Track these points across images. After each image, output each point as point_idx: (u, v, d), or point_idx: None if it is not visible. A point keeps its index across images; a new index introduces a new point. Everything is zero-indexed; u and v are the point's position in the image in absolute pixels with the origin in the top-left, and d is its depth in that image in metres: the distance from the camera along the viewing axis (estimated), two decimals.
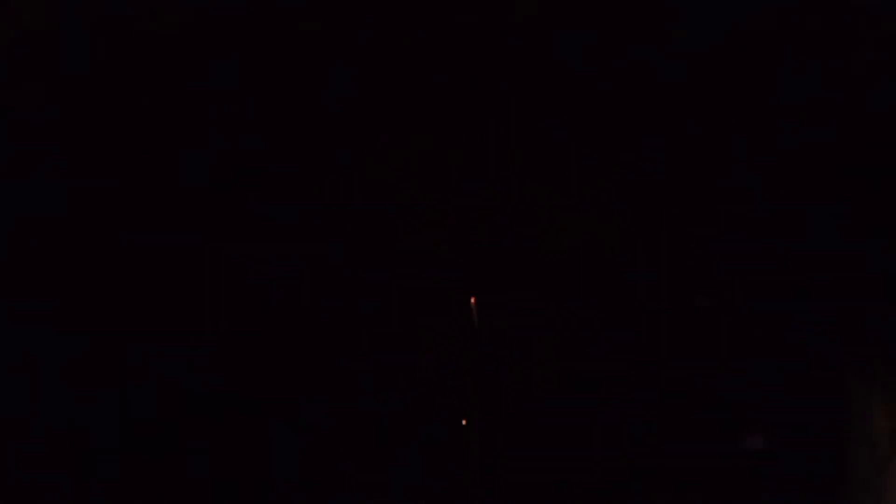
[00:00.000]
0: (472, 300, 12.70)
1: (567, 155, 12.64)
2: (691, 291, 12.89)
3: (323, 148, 12.49)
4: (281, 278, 12.81)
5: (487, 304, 12.86)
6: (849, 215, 12.24)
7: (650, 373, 12.80)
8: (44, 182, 11.79)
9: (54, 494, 12.20)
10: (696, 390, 12.73)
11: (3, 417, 12.07)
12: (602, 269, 12.89)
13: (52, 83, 11.32)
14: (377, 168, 12.56)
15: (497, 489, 12.71)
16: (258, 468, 12.83)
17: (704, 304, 12.87)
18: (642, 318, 12.89)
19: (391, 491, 12.81)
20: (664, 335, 12.88)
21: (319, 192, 12.61)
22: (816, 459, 12.07)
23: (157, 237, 12.52)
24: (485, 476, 12.73)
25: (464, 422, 12.94)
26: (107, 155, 12.37)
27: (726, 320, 12.79)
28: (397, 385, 12.90)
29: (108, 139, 12.34)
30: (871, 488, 10.97)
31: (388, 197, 12.70)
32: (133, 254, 12.63)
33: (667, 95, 12.48)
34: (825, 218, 12.33)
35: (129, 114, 11.76)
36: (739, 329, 12.78)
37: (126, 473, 12.38)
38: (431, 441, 12.94)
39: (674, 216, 12.75)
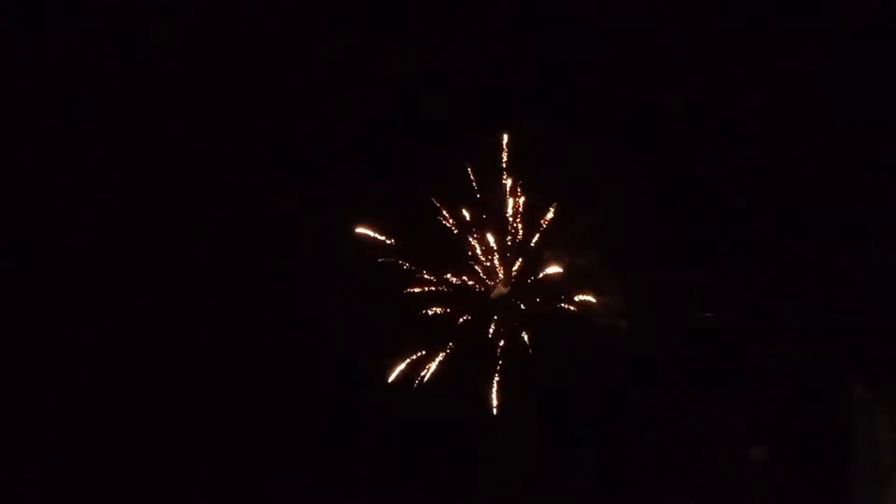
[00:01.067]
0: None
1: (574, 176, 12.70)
2: (695, 304, 12.84)
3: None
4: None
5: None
6: (848, 226, 12.19)
7: (654, 383, 12.72)
8: None
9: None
10: (701, 401, 12.65)
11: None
12: (604, 282, 12.87)
13: None
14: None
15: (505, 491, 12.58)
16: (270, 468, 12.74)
17: (708, 316, 12.77)
18: (647, 331, 12.82)
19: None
20: (669, 347, 12.81)
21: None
22: (821, 468, 11.87)
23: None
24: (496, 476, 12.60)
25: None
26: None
27: (730, 332, 12.70)
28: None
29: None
30: (875, 497, 10.79)
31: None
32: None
33: (668, 118, 12.53)
34: (824, 229, 12.28)
35: None
36: (743, 340, 12.68)
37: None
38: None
39: (676, 228, 12.74)
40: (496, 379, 12.37)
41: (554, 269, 12.50)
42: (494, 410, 12.29)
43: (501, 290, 12.57)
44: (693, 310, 12.67)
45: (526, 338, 12.49)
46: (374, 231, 12.44)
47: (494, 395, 12.30)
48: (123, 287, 12.50)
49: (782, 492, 11.88)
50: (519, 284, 12.67)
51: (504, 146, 12.53)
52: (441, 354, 12.39)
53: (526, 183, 12.61)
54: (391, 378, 12.23)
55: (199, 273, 12.55)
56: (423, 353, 12.31)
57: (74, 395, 12.30)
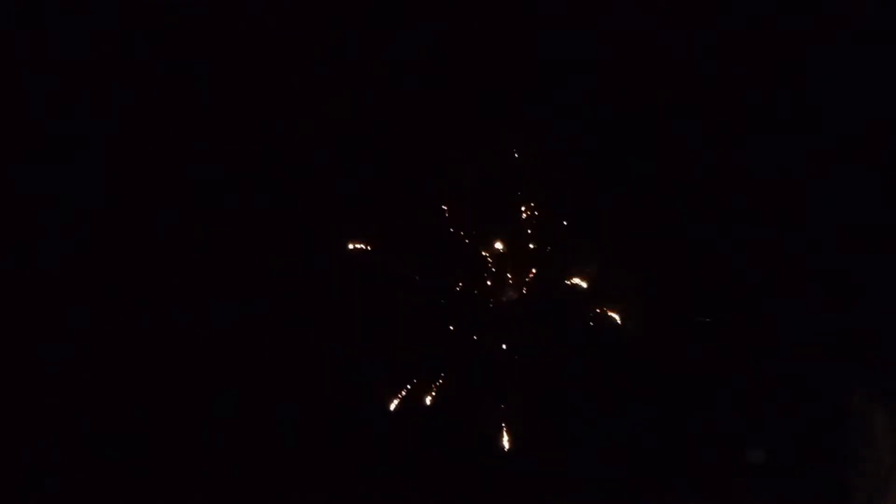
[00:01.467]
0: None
1: (570, 178, 12.71)
2: (694, 304, 12.84)
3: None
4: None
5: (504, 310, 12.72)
6: (848, 226, 12.20)
7: (655, 386, 12.70)
8: None
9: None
10: (700, 404, 12.64)
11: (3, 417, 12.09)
12: (607, 284, 12.87)
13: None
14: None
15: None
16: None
17: (707, 319, 12.78)
18: (647, 331, 12.82)
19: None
20: (669, 350, 12.81)
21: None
22: (820, 472, 11.83)
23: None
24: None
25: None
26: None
27: (729, 336, 12.69)
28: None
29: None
30: (875, 499, 10.76)
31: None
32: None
33: (670, 115, 12.55)
34: (825, 229, 12.29)
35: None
36: (743, 344, 12.65)
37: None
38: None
39: (676, 231, 12.76)
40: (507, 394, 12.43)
41: (564, 275, 12.54)
42: (506, 444, 12.34)
43: (511, 295, 12.56)
44: (692, 310, 12.70)
45: (539, 347, 12.52)
46: (375, 236, 12.46)
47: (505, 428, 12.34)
48: (122, 287, 12.54)
49: (781, 493, 11.90)
50: (529, 290, 12.68)
51: (506, 147, 12.57)
52: (447, 371, 12.45)
53: (528, 184, 12.65)
54: (394, 404, 12.24)
55: (198, 275, 12.58)
56: (429, 369, 12.34)
57: (74, 395, 12.35)
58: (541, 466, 12.36)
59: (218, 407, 12.40)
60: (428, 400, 12.33)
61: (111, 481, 12.19)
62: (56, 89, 12.28)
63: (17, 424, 12.13)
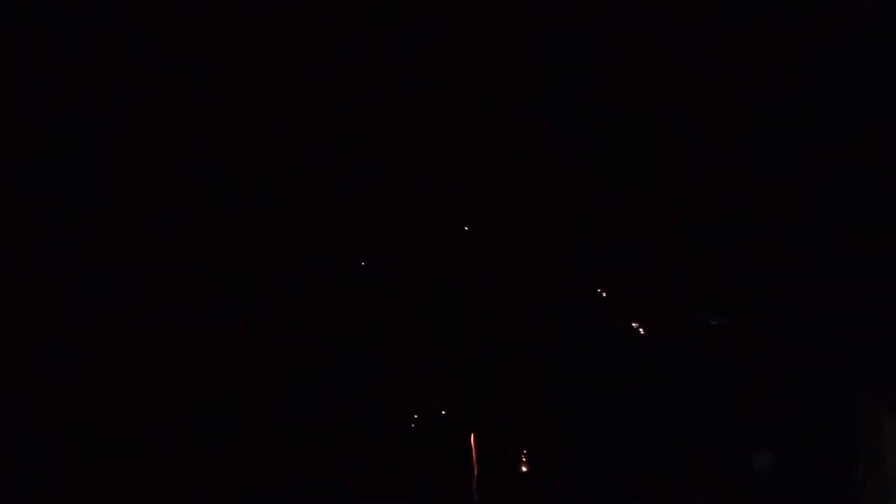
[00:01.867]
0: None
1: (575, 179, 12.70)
2: (699, 310, 12.80)
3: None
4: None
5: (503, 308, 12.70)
6: (851, 227, 12.15)
7: (656, 386, 12.67)
8: None
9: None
10: (706, 409, 12.60)
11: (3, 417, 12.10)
12: (612, 287, 12.84)
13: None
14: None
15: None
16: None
17: (713, 322, 12.74)
18: (652, 336, 12.79)
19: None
20: (672, 353, 12.78)
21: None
22: (826, 477, 11.72)
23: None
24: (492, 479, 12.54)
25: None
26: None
27: (733, 334, 12.66)
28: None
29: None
30: (879, 502, 10.71)
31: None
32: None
33: (676, 120, 12.53)
34: (828, 230, 12.25)
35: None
36: (749, 348, 12.63)
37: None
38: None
39: (681, 233, 12.73)
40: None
41: (574, 277, 12.54)
42: (523, 467, 12.32)
43: (516, 295, 12.57)
44: (694, 311, 12.68)
45: (546, 349, 12.51)
46: (378, 237, 12.49)
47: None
48: (122, 287, 12.55)
49: (783, 494, 11.84)
50: (531, 288, 12.68)
51: (506, 148, 12.59)
52: (454, 374, 12.44)
53: (528, 184, 12.65)
54: (398, 408, 12.25)
55: (198, 275, 12.59)
56: (435, 372, 12.34)
57: (74, 395, 12.35)
58: (540, 466, 12.35)
59: (218, 407, 12.40)
60: (436, 404, 12.34)
61: (111, 481, 12.19)
62: (56, 89, 12.36)
63: (17, 424, 12.15)
